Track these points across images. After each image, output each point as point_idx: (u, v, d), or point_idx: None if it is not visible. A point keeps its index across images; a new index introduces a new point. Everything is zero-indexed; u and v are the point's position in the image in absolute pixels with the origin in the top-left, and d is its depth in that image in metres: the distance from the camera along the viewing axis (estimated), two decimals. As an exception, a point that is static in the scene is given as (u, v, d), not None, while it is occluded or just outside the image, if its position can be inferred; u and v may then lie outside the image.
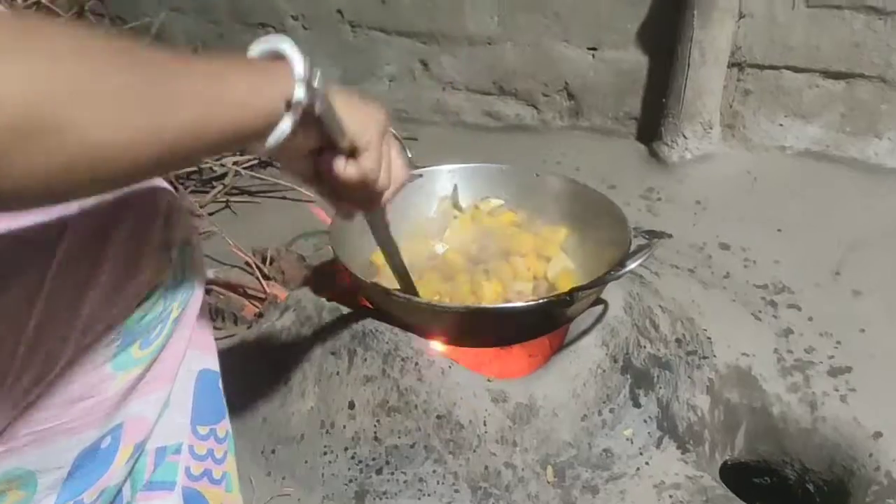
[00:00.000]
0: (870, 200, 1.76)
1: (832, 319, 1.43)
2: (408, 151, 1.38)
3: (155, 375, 0.75)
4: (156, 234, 0.71)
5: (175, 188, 1.88)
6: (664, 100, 1.94)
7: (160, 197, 0.73)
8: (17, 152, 0.42)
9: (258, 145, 0.61)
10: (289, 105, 0.60)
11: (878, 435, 1.18)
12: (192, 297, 0.79)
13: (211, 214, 1.91)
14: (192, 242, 0.78)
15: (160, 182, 0.74)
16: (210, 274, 1.58)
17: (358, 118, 0.69)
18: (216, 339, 1.39)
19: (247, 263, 1.62)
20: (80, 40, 0.46)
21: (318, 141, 0.68)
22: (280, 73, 0.60)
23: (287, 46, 0.62)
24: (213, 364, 0.86)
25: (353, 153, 0.70)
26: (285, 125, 0.60)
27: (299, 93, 0.60)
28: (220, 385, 0.88)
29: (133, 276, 0.68)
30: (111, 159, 0.47)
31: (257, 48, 0.64)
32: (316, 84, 0.62)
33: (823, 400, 1.26)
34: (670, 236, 1.70)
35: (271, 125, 0.60)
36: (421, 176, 1.39)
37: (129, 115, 0.47)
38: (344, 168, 0.70)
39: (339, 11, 2.26)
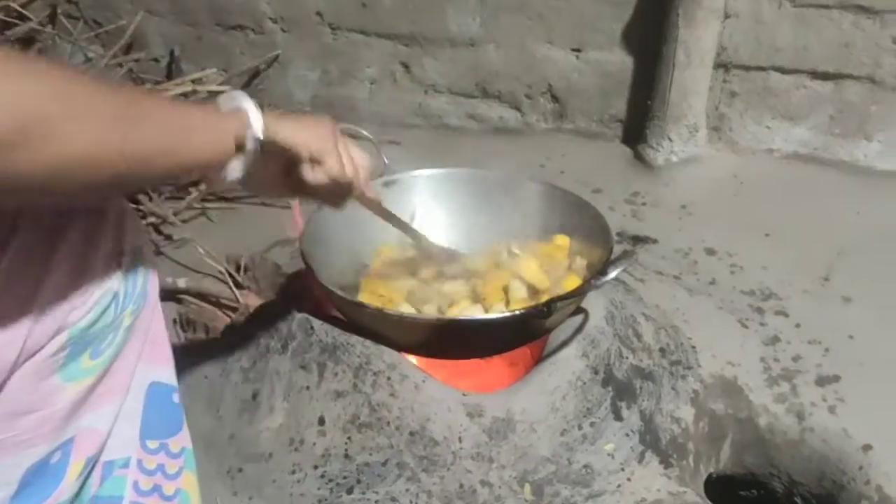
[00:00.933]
0: (859, 204, 1.73)
1: (820, 327, 1.39)
2: (384, 157, 1.34)
3: (108, 387, 0.74)
4: (105, 240, 0.71)
5: (149, 195, 1.85)
6: (649, 102, 1.91)
7: (110, 203, 0.74)
8: (3, 159, 0.48)
9: (217, 178, 0.74)
10: (240, 147, 0.73)
11: (867, 447, 1.15)
12: (145, 306, 0.78)
13: (186, 222, 1.87)
14: (143, 251, 0.78)
15: None
16: (182, 283, 1.55)
17: (309, 134, 0.82)
18: (186, 349, 1.37)
19: (220, 272, 1.58)
20: (62, 69, 0.55)
21: (283, 163, 0.81)
22: (235, 119, 0.73)
23: (244, 102, 0.75)
24: (167, 377, 0.85)
25: (315, 162, 0.82)
26: (237, 165, 0.73)
27: (249, 142, 0.73)
28: (176, 399, 0.86)
29: (81, 283, 0.68)
30: (84, 169, 0.54)
31: (223, 104, 0.76)
32: (260, 135, 0.74)
33: (811, 410, 1.22)
34: (655, 241, 1.69)
35: (225, 160, 0.72)
36: (387, 164, 1.32)
37: (105, 131, 0.55)
38: (312, 175, 0.83)
39: (319, 13, 2.21)
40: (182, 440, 0.87)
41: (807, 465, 1.20)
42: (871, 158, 1.82)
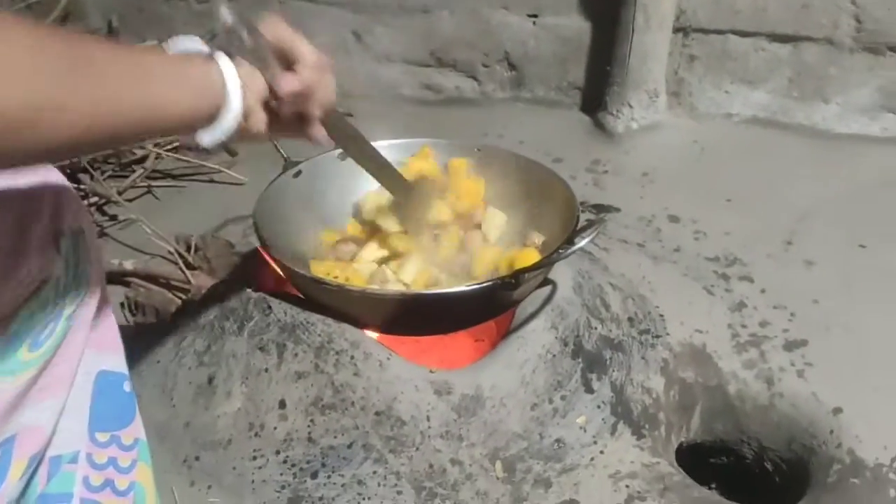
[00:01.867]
0: (818, 168, 1.72)
1: (785, 291, 1.38)
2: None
3: (49, 380, 0.70)
4: (40, 224, 0.67)
5: (90, 174, 1.76)
6: (608, 67, 1.87)
7: (46, 184, 0.69)
8: None
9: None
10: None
11: (837, 411, 1.14)
12: (88, 292, 0.73)
13: (131, 201, 1.78)
14: (84, 232, 0.73)
15: (48, 168, 0.70)
16: (129, 265, 1.47)
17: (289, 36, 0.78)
18: (135, 335, 1.30)
19: (170, 252, 1.51)
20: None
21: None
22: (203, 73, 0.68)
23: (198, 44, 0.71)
24: (116, 365, 0.81)
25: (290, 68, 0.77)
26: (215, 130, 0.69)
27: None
28: (128, 388, 0.82)
29: (16, 270, 0.64)
30: (21, 135, 0.48)
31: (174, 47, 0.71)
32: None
33: (780, 376, 1.21)
34: (618, 210, 1.65)
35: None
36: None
37: (45, 91, 0.48)
38: (290, 81, 0.76)
39: (265, -20, 2.13)
40: (135, 431, 0.83)
41: (776, 430, 1.19)
42: (828, 121, 1.82)
